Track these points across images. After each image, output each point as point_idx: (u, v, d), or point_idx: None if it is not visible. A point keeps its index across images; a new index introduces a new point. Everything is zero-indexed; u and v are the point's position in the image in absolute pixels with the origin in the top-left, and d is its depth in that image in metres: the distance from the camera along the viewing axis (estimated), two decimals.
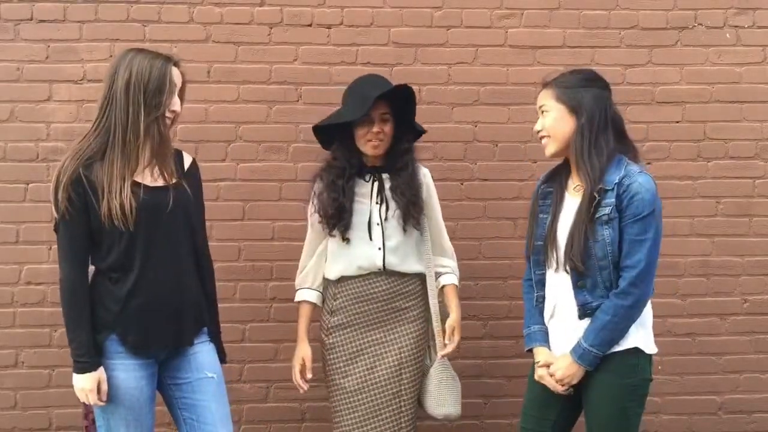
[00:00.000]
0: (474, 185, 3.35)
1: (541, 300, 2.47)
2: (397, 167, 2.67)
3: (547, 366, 2.38)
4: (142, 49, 2.35)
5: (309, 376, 2.70)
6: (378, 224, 2.66)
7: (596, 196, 2.27)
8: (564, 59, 3.30)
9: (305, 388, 2.71)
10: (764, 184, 3.41)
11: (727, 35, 3.39)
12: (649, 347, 2.34)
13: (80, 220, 2.23)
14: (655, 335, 3.33)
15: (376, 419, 2.62)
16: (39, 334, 3.24)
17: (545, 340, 2.44)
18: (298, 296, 2.77)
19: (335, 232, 2.64)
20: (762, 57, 3.40)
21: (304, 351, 2.72)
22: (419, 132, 2.77)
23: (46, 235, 3.02)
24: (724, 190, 3.40)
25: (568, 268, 2.32)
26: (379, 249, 2.65)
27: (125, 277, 2.26)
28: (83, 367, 2.24)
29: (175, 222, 2.31)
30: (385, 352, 2.66)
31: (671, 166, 3.38)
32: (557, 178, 2.46)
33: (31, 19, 3.23)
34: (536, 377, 2.43)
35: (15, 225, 3.23)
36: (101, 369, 2.26)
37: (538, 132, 2.41)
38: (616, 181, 2.26)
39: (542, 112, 2.39)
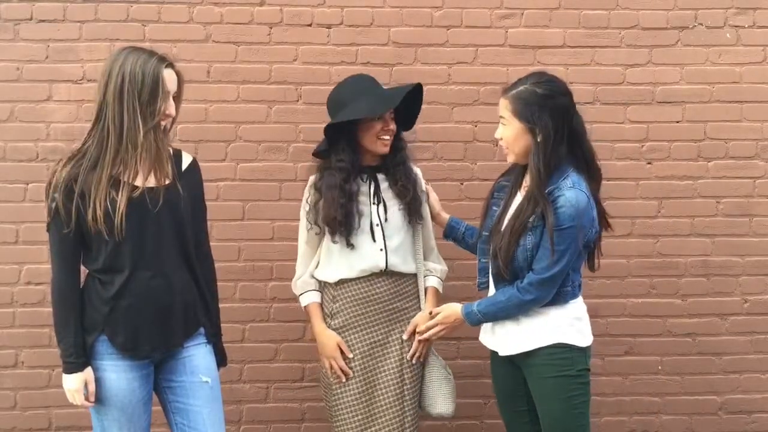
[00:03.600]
0: (474, 185, 3.34)
1: (484, 287, 2.59)
2: (395, 163, 2.67)
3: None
4: (135, 48, 2.29)
5: (350, 355, 2.62)
6: (378, 225, 2.65)
7: (528, 203, 2.37)
8: (564, 59, 3.31)
9: (351, 374, 2.63)
10: (764, 184, 3.41)
11: (727, 35, 3.39)
12: (582, 341, 2.43)
13: (70, 224, 2.22)
14: (656, 335, 3.39)
15: (378, 422, 2.60)
16: (39, 334, 3.24)
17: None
18: (306, 299, 2.72)
19: (338, 237, 2.60)
20: (762, 57, 3.40)
21: (335, 337, 2.63)
22: (406, 129, 2.77)
23: (46, 235, 3.01)
24: (724, 190, 3.40)
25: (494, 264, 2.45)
26: (382, 250, 2.63)
27: (113, 279, 2.26)
28: (70, 368, 2.25)
29: (163, 223, 2.29)
30: (387, 354, 2.64)
31: (671, 166, 3.38)
32: (514, 173, 2.55)
33: (31, 19, 3.22)
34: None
35: (15, 225, 3.24)
36: (88, 370, 2.27)
37: (499, 139, 2.47)
38: (545, 192, 2.33)
39: (501, 123, 2.44)
